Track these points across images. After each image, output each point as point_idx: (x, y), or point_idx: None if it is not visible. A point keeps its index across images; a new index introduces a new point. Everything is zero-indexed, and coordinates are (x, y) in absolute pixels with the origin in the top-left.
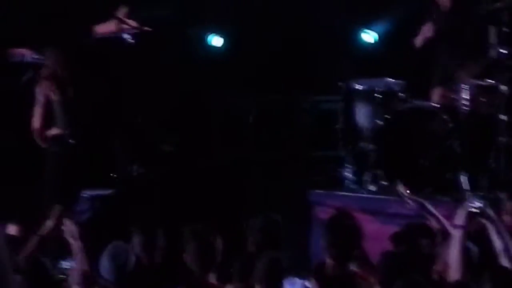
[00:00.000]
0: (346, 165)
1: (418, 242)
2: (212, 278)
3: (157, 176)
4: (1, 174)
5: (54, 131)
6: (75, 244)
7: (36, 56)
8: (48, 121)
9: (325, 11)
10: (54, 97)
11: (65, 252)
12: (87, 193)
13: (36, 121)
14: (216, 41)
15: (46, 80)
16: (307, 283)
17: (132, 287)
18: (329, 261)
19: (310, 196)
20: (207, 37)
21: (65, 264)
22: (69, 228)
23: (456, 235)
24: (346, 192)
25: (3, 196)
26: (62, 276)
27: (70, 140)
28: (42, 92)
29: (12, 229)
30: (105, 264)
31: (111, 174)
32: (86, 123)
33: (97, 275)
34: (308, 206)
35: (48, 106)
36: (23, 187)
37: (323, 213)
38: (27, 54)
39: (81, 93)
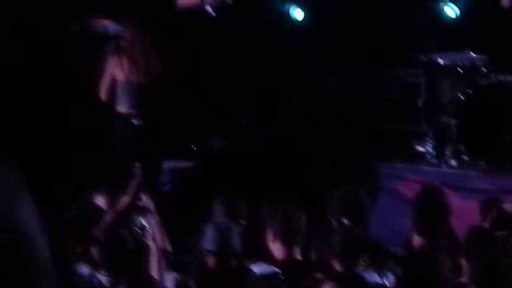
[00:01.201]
0: (427, 139)
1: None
2: (297, 254)
3: (238, 148)
4: (86, 144)
5: (120, 108)
6: (151, 218)
7: (119, 28)
8: (113, 98)
9: None
10: (120, 76)
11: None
12: (168, 165)
13: (102, 96)
14: (298, 14)
15: (116, 56)
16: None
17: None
18: (417, 237)
19: (390, 169)
20: (289, 10)
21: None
22: (145, 203)
23: None
24: (427, 166)
25: (89, 166)
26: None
27: (135, 121)
28: (109, 68)
29: (100, 200)
30: (210, 236)
31: (192, 146)
32: (155, 102)
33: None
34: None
35: (113, 84)
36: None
37: (404, 187)
38: (109, 25)
39: (160, 67)
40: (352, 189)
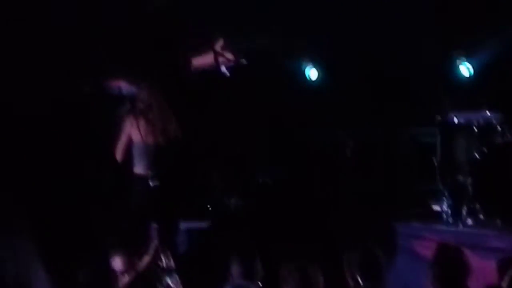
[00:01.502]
0: (443, 198)
1: None
2: None
3: (254, 208)
4: (104, 206)
5: (136, 170)
6: (175, 278)
7: (133, 89)
8: (130, 159)
9: (421, 43)
10: (137, 137)
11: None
12: (184, 225)
13: (118, 156)
14: (313, 73)
15: (132, 117)
16: None
17: None
18: None
19: (406, 228)
20: (304, 69)
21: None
22: (168, 263)
23: None
24: (444, 225)
25: (107, 227)
26: None
27: (151, 183)
28: (126, 129)
29: (117, 261)
30: None
31: (208, 206)
32: (171, 163)
33: None
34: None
35: (129, 145)
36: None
37: (421, 246)
38: (124, 86)
39: (178, 128)
40: (369, 248)
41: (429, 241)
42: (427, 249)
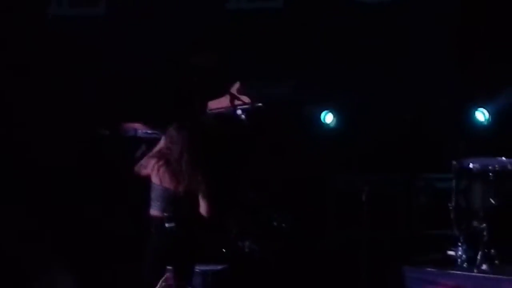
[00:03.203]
0: (459, 243)
1: None
2: None
3: (269, 253)
4: (116, 251)
5: (152, 211)
6: None
7: (149, 131)
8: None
9: (438, 90)
10: (155, 180)
11: None
12: (199, 268)
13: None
14: (329, 119)
15: (152, 159)
16: None
17: None
18: None
19: (421, 274)
20: (321, 115)
21: None
22: None
23: None
24: (459, 271)
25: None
26: None
27: (167, 224)
28: (144, 171)
29: None
30: None
31: (223, 250)
32: (188, 207)
33: None
34: None
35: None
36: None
37: None
38: (140, 128)
39: (201, 179)
40: None
41: (444, 286)
42: None
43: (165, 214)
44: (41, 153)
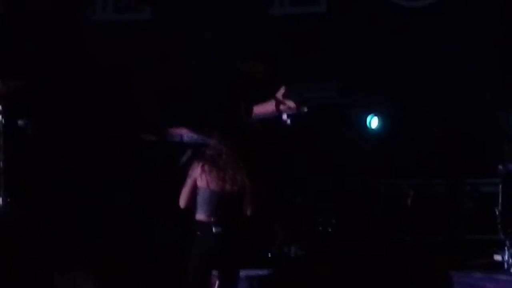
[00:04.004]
0: (505, 248)
1: None
2: None
3: (314, 257)
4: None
5: (199, 216)
6: None
7: (195, 136)
8: (193, 205)
9: (483, 93)
10: (202, 184)
11: None
12: (245, 273)
13: (182, 202)
14: (373, 122)
15: (199, 163)
16: None
17: None
18: None
19: (467, 279)
20: (365, 119)
21: None
22: None
23: None
24: (505, 275)
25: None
26: None
27: (215, 229)
28: (193, 174)
29: None
30: None
31: (268, 255)
32: (235, 211)
33: None
34: None
35: (194, 191)
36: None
37: None
38: (186, 133)
39: (246, 177)
40: None
41: None
42: None
43: (212, 218)
44: (83, 156)
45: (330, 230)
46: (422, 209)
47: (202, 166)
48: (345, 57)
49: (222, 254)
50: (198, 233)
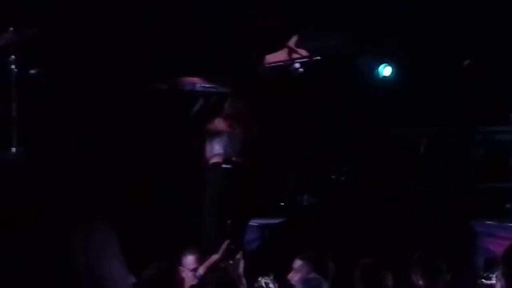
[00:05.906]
0: None
1: None
2: None
3: (327, 206)
4: (178, 205)
5: (214, 159)
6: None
7: (207, 85)
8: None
9: (495, 41)
10: (218, 126)
11: None
12: (256, 222)
13: (208, 153)
14: (386, 70)
15: (222, 120)
16: None
17: None
18: None
19: (481, 227)
20: (377, 67)
21: None
22: (236, 263)
23: None
24: None
25: (180, 226)
26: None
27: (224, 165)
28: (214, 129)
29: (189, 259)
30: None
31: (281, 203)
32: (246, 151)
33: None
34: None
35: (214, 137)
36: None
37: (495, 245)
38: (197, 82)
39: (256, 126)
40: (431, 253)
41: (504, 239)
42: (501, 247)
43: (223, 155)
44: (96, 106)
45: (342, 178)
46: (434, 157)
47: (216, 115)
48: (355, 3)
49: (232, 193)
50: (210, 178)
